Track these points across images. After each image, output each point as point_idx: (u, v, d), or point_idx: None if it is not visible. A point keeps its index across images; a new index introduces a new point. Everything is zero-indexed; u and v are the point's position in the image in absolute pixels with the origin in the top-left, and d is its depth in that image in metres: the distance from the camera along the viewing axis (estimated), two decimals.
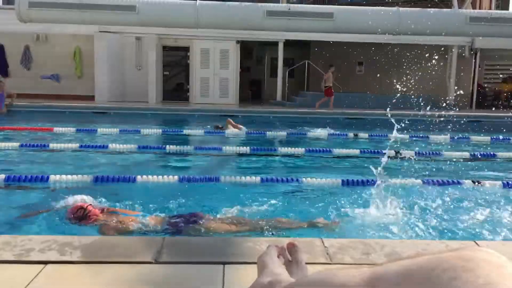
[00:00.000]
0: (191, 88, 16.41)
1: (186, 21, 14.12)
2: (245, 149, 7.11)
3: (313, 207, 4.05)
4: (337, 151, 7.20)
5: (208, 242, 2.64)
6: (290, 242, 0.78)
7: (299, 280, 0.56)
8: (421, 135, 9.39)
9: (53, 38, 15.94)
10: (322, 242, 2.55)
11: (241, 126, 9.49)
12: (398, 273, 0.38)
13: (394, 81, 15.27)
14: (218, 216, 3.59)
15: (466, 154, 7.30)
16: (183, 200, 4.17)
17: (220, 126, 9.62)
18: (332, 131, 9.84)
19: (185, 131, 9.77)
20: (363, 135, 9.42)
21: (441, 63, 16.82)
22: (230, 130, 9.39)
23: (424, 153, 7.30)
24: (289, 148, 7.31)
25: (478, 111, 15.26)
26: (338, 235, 3.34)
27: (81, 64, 16.10)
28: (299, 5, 15.82)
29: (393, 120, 4.81)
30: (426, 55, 16.76)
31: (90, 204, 3.45)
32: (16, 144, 6.97)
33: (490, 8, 19.48)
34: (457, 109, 15.12)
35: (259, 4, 14.40)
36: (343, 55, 17.50)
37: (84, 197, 3.61)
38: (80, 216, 3.31)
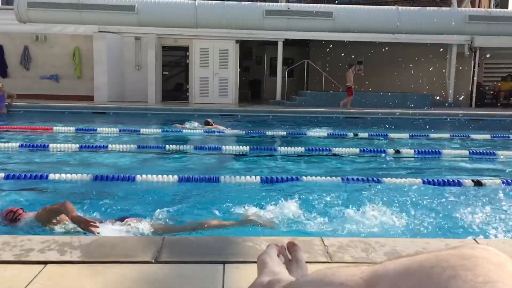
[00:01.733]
0: (190, 88, 16.40)
1: (185, 21, 14.12)
2: (245, 149, 7.12)
3: (313, 206, 4.05)
4: (337, 150, 7.20)
5: (208, 242, 2.64)
6: (290, 241, 0.78)
7: (298, 279, 0.56)
8: (420, 134, 9.39)
9: (52, 38, 15.92)
10: (322, 241, 2.55)
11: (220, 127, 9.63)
12: (397, 271, 0.38)
13: (394, 80, 15.32)
14: (149, 219, 3.57)
15: (466, 153, 7.30)
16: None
17: (211, 121, 9.64)
18: (331, 131, 9.85)
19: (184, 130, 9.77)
20: (363, 134, 9.42)
21: (441, 62, 16.83)
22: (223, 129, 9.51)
23: (423, 151, 7.29)
24: (289, 148, 7.30)
25: (478, 110, 15.26)
26: (337, 234, 3.34)
27: (81, 64, 16.08)
28: (299, 4, 15.84)
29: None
30: (426, 54, 16.78)
31: (21, 208, 3.54)
32: (16, 144, 6.98)
33: (489, 7, 19.49)
34: (457, 107, 15.15)
35: (258, 3, 14.43)
36: (342, 54, 17.50)
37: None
38: (10, 219, 3.42)
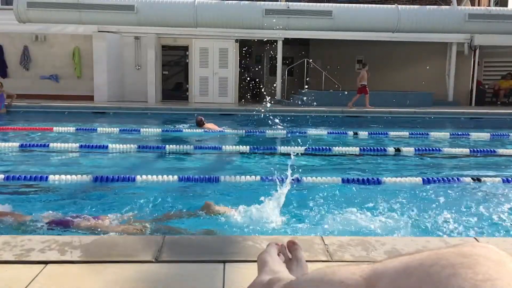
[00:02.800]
0: (190, 88, 16.40)
1: (184, 20, 14.12)
2: (245, 148, 7.12)
3: (313, 205, 4.05)
4: (337, 149, 7.20)
5: (209, 241, 2.64)
6: (290, 240, 0.78)
7: (298, 277, 0.56)
8: (420, 132, 9.39)
9: (52, 38, 15.91)
10: (322, 240, 2.55)
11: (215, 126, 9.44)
12: (397, 270, 0.38)
13: (394, 78, 15.32)
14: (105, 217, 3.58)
15: (466, 151, 7.30)
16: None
17: (203, 119, 9.26)
18: (331, 130, 9.84)
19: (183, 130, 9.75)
20: (363, 133, 9.41)
21: (441, 60, 16.82)
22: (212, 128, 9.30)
23: (423, 149, 7.29)
24: (289, 147, 7.30)
25: (478, 108, 15.26)
26: (338, 233, 3.34)
27: (80, 64, 16.07)
28: (298, 3, 15.81)
29: None
30: (426, 52, 16.77)
31: None
32: (15, 144, 6.98)
33: (489, 5, 19.47)
34: (457, 106, 15.15)
35: (258, 2, 14.40)
36: (342, 53, 17.49)
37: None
38: None
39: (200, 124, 9.19)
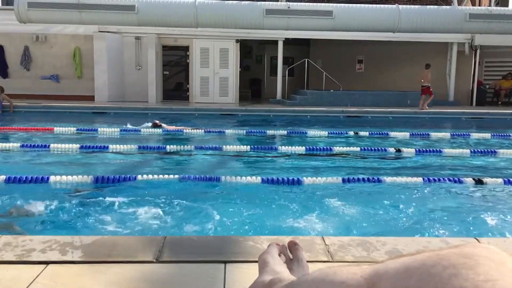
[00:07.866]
0: (191, 88, 16.40)
1: (185, 20, 14.11)
2: (246, 148, 7.12)
3: (314, 205, 4.05)
4: (337, 149, 7.19)
5: (210, 241, 2.64)
6: (291, 240, 0.78)
7: (299, 278, 0.56)
8: (421, 132, 9.39)
9: (52, 39, 15.92)
10: (323, 240, 2.55)
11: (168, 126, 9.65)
12: (398, 270, 0.38)
13: (394, 78, 15.32)
14: None
15: (467, 151, 7.30)
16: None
17: (158, 122, 9.56)
18: (331, 130, 9.84)
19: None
20: (363, 133, 9.40)
21: (441, 60, 16.81)
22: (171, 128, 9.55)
23: (424, 150, 7.29)
24: (290, 147, 7.30)
25: (478, 108, 15.26)
26: (338, 233, 3.34)
27: (81, 64, 16.07)
28: (299, 3, 15.79)
29: None
30: (426, 52, 16.76)
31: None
32: (16, 145, 6.98)
33: (489, 5, 19.46)
34: (457, 106, 15.14)
35: (259, 2, 14.39)
36: (342, 53, 17.49)
37: None
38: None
39: (156, 126, 9.49)
